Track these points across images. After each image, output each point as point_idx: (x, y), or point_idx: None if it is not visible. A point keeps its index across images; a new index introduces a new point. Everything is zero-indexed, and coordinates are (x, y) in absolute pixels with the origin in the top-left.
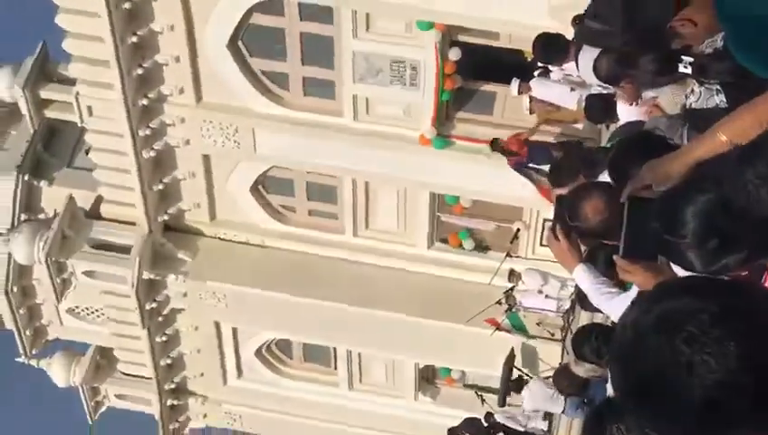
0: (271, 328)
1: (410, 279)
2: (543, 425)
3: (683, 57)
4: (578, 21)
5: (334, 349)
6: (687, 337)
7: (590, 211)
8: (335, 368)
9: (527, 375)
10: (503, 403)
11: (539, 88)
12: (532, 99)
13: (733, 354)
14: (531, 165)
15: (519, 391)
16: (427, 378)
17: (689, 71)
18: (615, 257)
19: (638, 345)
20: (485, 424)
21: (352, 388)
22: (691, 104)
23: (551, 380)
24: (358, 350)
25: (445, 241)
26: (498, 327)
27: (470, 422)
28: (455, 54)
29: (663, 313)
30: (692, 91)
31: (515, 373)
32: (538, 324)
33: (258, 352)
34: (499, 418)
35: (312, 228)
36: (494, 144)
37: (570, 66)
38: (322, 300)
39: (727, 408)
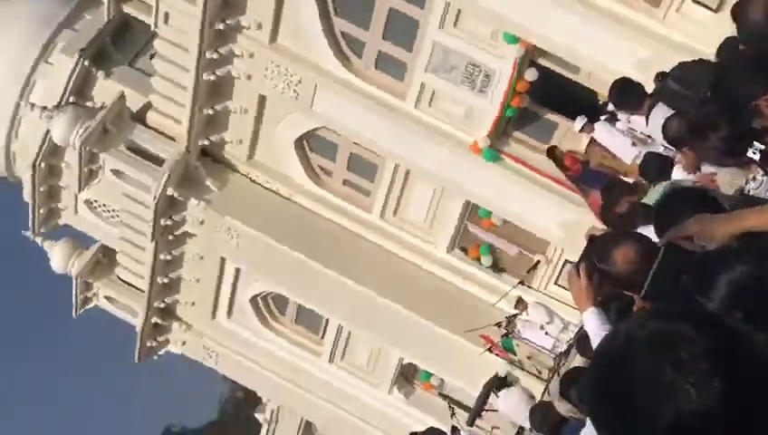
0: (273, 280)
1: (420, 276)
2: None
3: (755, 142)
4: (660, 78)
5: (327, 320)
6: (676, 361)
7: (620, 257)
8: (322, 338)
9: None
10: (471, 423)
11: (602, 132)
12: (591, 141)
13: (715, 390)
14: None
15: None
16: (407, 376)
17: (757, 157)
18: (635, 297)
19: (626, 353)
20: None
21: (332, 362)
22: (749, 190)
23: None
24: (349, 327)
25: (464, 250)
26: (491, 347)
27: (435, 432)
28: (531, 75)
29: (659, 331)
30: (754, 177)
31: (492, 398)
32: (528, 358)
33: (253, 300)
34: None
35: (343, 198)
36: (551, 151)
37: (637, 120)
38: (330, 269)
39: None
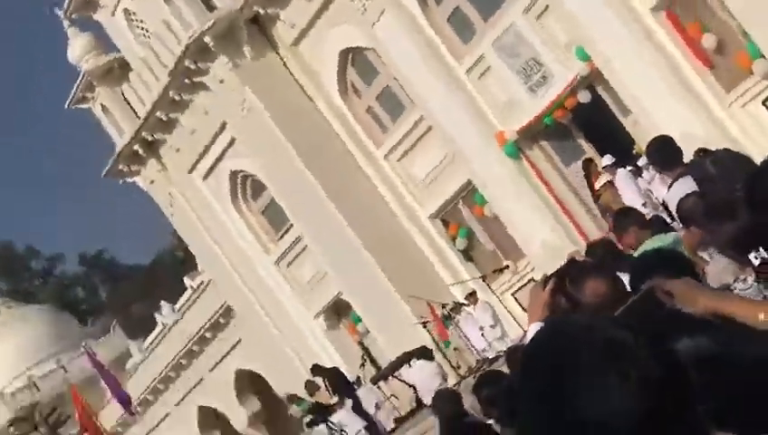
0: (260, 166)
1: (395, 228)
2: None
3: (762, 248)
4: (701, 154)
5: (291, 225)
6: (619, 368)
7: (591, 287)
8: (279, 239)
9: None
10: (376, 381)
11: (622, 180)
12: (609, 182)
13: (639, 397)
14: None
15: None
16: (339, 311)
17: (756, 262)
18: None
19: (578, 335)
20: (346, 381)
21: (278, 265)
22: (735, 289)
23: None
24: (309, 241)
25: (446, 224)
26: (429, 320)
27: (338, 374)
28: (584, 97)
29: (609, 337)
30: (745, 279)
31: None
32: (455, 349)
33: (234, 174)
34: (361, 390)
35: (360, 123)
36: (587, 163)
37: (657, 185)
38: (318, 181)
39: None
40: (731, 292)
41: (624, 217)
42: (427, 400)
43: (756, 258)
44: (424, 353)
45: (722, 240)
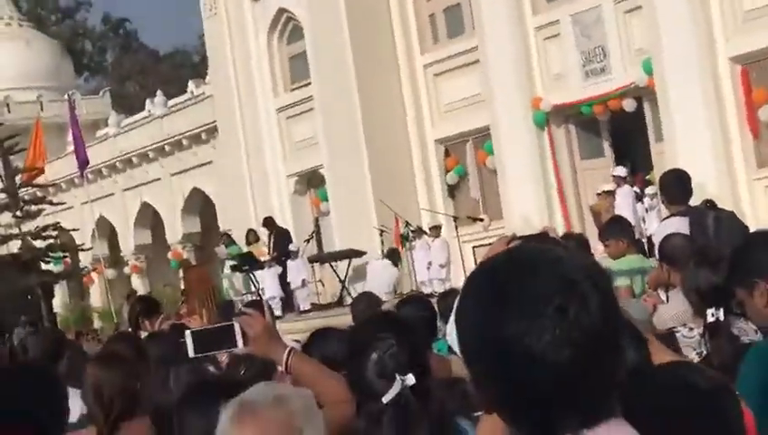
0: (309, 15)
1: (400, 133)
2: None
3: (722, 309)
4: (707, 204)
5: (309, 82)
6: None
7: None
8: (293, 89)
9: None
10: (313, 260)
11: (624, 196)
12: (610, 192)
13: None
14: None
15: None
16: (311, 181)
17: (709, 319)
18: None
19: (535, 263)
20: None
21: (279, 112)
22: (679, 333)
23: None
24: (318, 105)
25: (447, 153)
26: (394, 231)
27: (285, 234)
28: (629, 105)
29: (564, 276)
30: (692, 329)
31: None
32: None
33: (281, 11)
34: (295, 262)
35: (418, 23)
36: (595, 208)
37: (651, 218)
38: (352, 53)
39: None
40: (673, 333)
41: (618, 226)
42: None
43: (712, 315)
44: (392, 256)
45: (693, 285)
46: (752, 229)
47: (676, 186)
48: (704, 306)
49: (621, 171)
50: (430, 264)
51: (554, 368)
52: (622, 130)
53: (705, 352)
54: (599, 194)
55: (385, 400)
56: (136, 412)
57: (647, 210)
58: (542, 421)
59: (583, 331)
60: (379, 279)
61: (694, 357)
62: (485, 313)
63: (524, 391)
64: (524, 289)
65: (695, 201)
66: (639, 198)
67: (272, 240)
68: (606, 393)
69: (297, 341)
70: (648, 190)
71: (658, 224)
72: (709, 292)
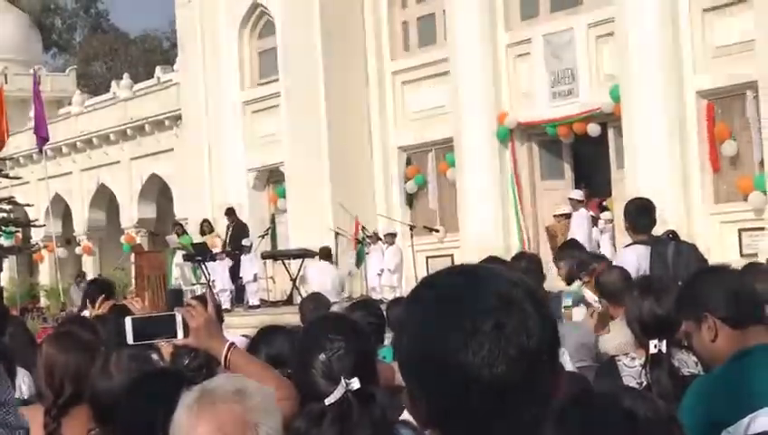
0: (282, 12)
1: (363, 137)
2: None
3: (665, 341)
4: (669, 236)
5: (277, 79)
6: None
7: None
8: (260, 84)
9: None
10: (266, 256)
11: (579, 218)
12: (566, 215)
13: (508, 354)
14: None
15: None
16: (270, 177)
17: (652, 349)
18: None
19: (477, 279)
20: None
21: (245, 106)
22: (620, 362)
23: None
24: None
25: (408, 162)
26: (353, 235)
27: (243, 228)
28: (594, 130)
29: (502, 293)
30: (634, 359)
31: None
32: (349, 273)
33: (254, 5)
34: (247, 257)
35: (390, 29)
36: (550, 229)
37: (605, 243)
38: (322, 53)
39: None
40: (615, 361)
41: (571, 250)
42: (332, 297)
43: (655, 347)
44: (326, 256)
45: (635, 316)
46: (716, 262)
47: (641, 215)
48: (646, 337)
49: (578, 194)
50: (381, 271)
51: (489, 384)
52: (584, 153)
53: (645, 383)
54: (555, 216)
55: (328, 401)
56: (84, 398)
57: (601, 233)
58: None
59: (519, 348)
60: (320, 281)
61: (634, 387)
62: (423, 327)
63: (458, 406)
64: (463, 305)
65: (655, 231)
66: (595, 222)
67: (229, 231)
68: (539, 413)
69: (245, 336)
70: (604, 216)
71: (613, 249)
72: (652, 322)
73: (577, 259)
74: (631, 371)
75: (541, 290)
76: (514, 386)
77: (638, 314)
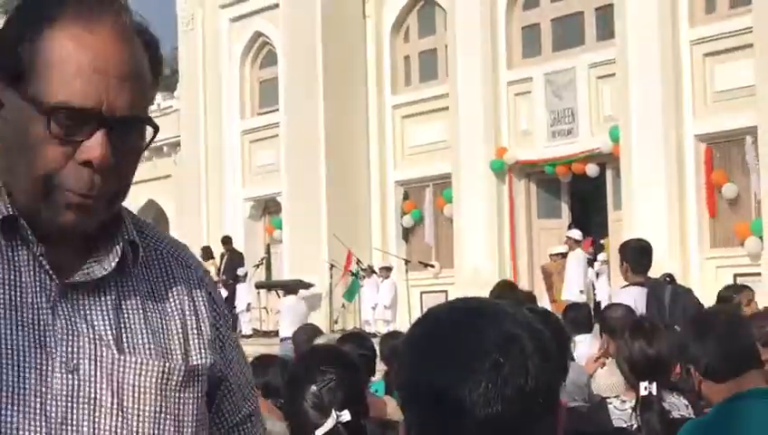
0: (285, 43)
1: (361, 171)
2: None
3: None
4: (667, 279)
5: (277, 109)
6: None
7: None
8: (260, 114)
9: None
10: (260, 286)
11: (575, 259)
12: (561, 255)
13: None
14: None
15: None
16: (267, 207)
17: (643, 392)
18: None
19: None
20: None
21: (243, 135)
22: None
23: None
24: (283, 132)
25: (406, 197)
26: (345, 267)
27: (239, 257)
28: (592, 170)
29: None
30: (624, 401)
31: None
32: (343, 306)
33: (256, 35)
34: (242, 286)
35: (392, 63)
36: (546, 269)
37: (601, 283)
38: (323, 85)
39: None
40: (606, 403)
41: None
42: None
43: (645, 389)
44: (298, 291)
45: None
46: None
47: (639, 256)
48: (636, 379)
49: (576, 234)
50: (376, 305)
51: (483, 423)
52: (582, 193)
53: (635, 425)
54: (551, 255)
55: (318, 433)
56: None
57: (597, 275)
58: None
59: (517, 388)
60: (293, 314)
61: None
62: (423, 358)
63: None
64: (463, 341)
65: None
66: (591, 262)
67: (224, 260)
68: None
69: None
70: (600, 257)
71: (610, 290)
72: (643, 364)
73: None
74: (621, 413)
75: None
76: (510, 426)
77: (629, 356)
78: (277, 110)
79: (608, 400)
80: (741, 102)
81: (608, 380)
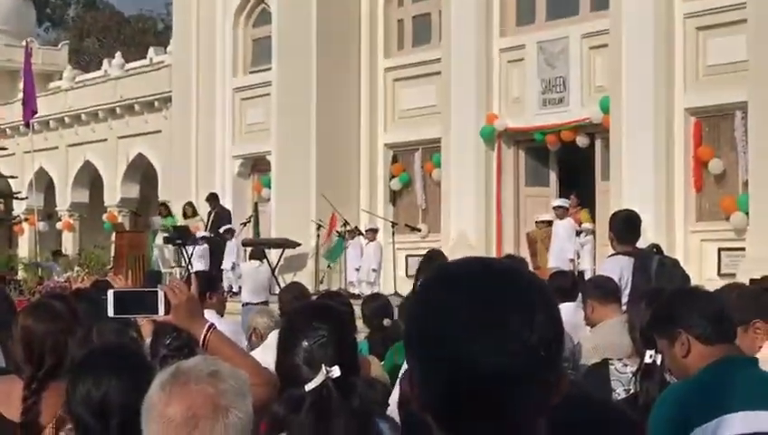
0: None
1: (351, 132)
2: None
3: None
4: (654, 249)
5: (270, 68)
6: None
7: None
8: (252, 72)
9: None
10: (246, 244)
11: (563, 227)
12: (546, 222)
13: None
14: None
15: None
16: (256, 166)
17: (647, 359)
18: None
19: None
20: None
21: (235, 93)
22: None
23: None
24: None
25: (395, 160)
26: (329, 227)
27: (226, 215)
28: (581, 140)
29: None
30: (625, 364)
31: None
32: (329, 266)
33: None
34: (229, 243)
35: (385, 26)
36: (531, 235)
37: (585, 253)
38: (316, 43)
39: None
40: (608, 364)
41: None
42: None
43: (650, 357)
44: (258, 255)
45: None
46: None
47: (627, 226)
48: (644, 346)
49: (563, 202)
50: (359, 269)
51: (490, 376)
52: (570, 163)
53: (633, 390)
54: (537, 222)
55: (308, 388)
56: (62, 372)
57: (582, 246)
58: (466, 428)
59: (523, 343)
60: (252, 280)
61: (621, 393)
62: (434, 310)
63: (456, 393)
64: (475, 296)
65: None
66: (578, 232)
67: (211, 217)
68: (534, 410)
69: None
70: (585, 226)
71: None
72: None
73: None
74: (621, 376)
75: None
76: (513, 379)
77: (640, 323)
78: (269, 69)
79: (610, 361)
80: (732, 77)
81: (591, 342)
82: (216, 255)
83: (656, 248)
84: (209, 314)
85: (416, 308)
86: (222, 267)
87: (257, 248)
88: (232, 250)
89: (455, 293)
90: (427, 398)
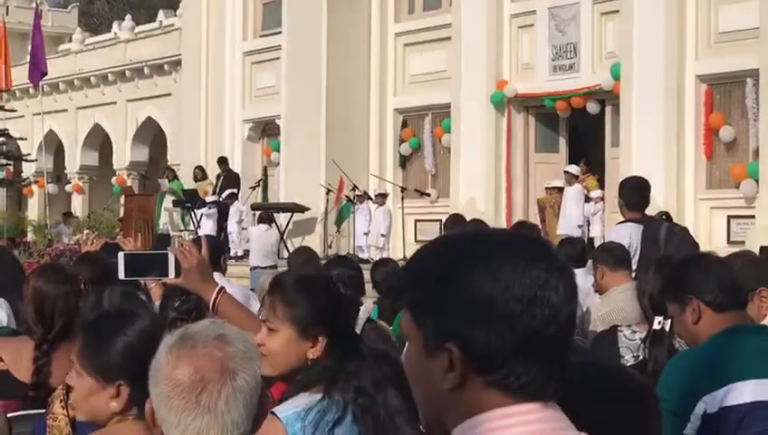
0: None
1: (361, 97)
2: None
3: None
4: (662, 216)
5: (280, 31)
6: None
7: None
8: (262, 36)
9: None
10: (255, 208)
11: (573, 193)
12: (557, 189)
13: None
14: None
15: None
16: (266, 130)
17: (656, 326)
18: None
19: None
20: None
21: (246, 56)
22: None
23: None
24: (285, 56)
25: (405, 124)
26: (338, 191)
27: (235, 178)
28: (592, 107)
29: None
30: (633, 331)
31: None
32: (338, 231)
33: None
34: (236, 205)
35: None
36: (541, 203)
37: (596, 220)
38: (326, 10)
39: None
40: (616, 331)
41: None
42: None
43: (659, 324)
44: (267, 219)
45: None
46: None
47: (636, 193)
48: (653, 313)
49: (574, 169)
50: (368, 232)
51: (565, 321)
52: (580, 129)
53: (641, 357)
54: (547, 188)
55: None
56: (72, 334)
57: (592, 214)
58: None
59: (553, 308)
60: (261, 244)
61: (629, 359)
62: (495, 268)
63: (538, 342)
64: (529, 255)
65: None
66: (588, 198)
67: (220, 180)
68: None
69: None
70: (595, 193)
71: (603, 227)
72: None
73: None
74: (630, 343)
75: None
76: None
77: (650, 289)
78: (280, 32)
79: (618, 328)
80: (744, 45)
81: (600, 310)
82: (225, 218)
83: (665, 216)
84: (219, 278)
85: (466, 265)
86: (229, 231)
87: (266, 212)
88: (234, 215)
89: (513, 254)
90: (489, 343)
